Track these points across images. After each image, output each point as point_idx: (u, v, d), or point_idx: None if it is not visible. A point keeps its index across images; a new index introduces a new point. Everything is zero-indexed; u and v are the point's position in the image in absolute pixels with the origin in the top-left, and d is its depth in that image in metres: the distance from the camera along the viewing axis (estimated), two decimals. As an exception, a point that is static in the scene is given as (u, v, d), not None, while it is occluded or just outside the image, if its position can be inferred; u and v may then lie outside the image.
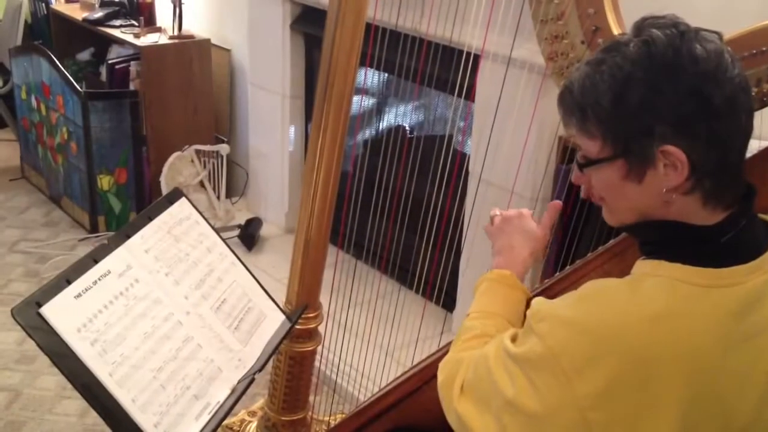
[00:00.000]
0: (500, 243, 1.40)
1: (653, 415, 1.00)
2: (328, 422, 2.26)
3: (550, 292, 1.44)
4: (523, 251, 1.38)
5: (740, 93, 1.01)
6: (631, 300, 1.03)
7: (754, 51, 1.28)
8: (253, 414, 2.25)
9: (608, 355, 0.99)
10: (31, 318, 1.16)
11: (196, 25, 3.94)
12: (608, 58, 1.05)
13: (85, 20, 3.98)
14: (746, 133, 1.05)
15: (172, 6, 3.72)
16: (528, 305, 1.16)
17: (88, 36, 4.17)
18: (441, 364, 1.25)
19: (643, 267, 1.09)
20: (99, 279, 1.27)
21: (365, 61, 1.95)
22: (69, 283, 1.22)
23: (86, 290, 1.24)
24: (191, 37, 3.78)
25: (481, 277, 1.36)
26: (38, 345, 1.16)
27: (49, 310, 1.17)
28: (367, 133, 3.30)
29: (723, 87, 1.00)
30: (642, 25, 1.06)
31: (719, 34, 1.05)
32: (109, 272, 1.29)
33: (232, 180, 3.98)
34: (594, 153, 1.08)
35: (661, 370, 0.99)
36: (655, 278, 1.05)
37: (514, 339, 1.12)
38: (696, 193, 1.04)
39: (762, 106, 1.31)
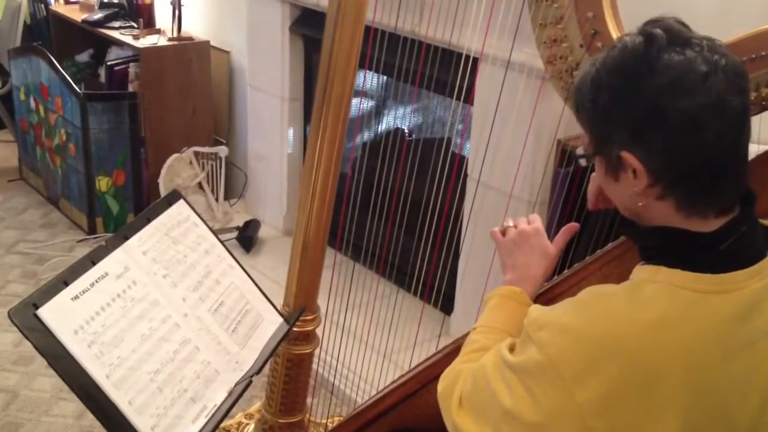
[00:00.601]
0: (515, 259, 1.37)
1: (654, 421, 1.00)
2: (326, 425, 2.26)
3: (548, 296, 1.43)
4: (538, 271, 1.35)
5: (709, 108, 0.98)
6: (630, 306, 1.03)
7: (753, 55, 1.28)
8: (250, 416, 2.24)
9: (608, 362, 0.99)
10: (27, 320, 1.16)
11: (196, 27, 3.94)
12: (598, 60, 1.07)
13: (84, 21, 3.98)
14: (722, 146, 1.00)
15: (171, 8, 3.72)
16: None
17: (87, 37, 4.17)
18: (442, 375, 1.25)
19: (642, 272, 1.09)
20: (96, 281, 1.26)
21: (364, 63, 1.95)
22: (66, 284, 1.22)
23: (83, 292, 1.23)
24: (190, 38, 3.79)
25: (492, 292, 1.34)
26: (35, 347, 1.15)
27: (46, 312, 1.17)
28: (366, 135, 3.30)
29: (681, 101, 0.98)
30: (641, 29, 1.07)
31: (711, 41, 1.03)
32: (107, 274, 1.29)
33: (231, 182, 3.98)
34: (587, 147, 1.13)
35: (661, 376, 0.99)
36: (654, 284, 1.04)
37: (511, 349, 1.12)
38: (668, 199, 1.04)
39: (761, 111, 1.31)
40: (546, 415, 1.02)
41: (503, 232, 1.40)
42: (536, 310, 1.11)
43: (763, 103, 1.30)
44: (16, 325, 1.15)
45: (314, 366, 2.07)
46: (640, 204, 1.07)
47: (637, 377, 0.99)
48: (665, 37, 1.01)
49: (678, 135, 0.99)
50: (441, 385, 1.24)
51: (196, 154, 3.73)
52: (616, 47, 1.06)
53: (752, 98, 1.28)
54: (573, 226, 1.40)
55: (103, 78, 4.00)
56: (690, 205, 1.04)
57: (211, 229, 1.55)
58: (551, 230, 1.42)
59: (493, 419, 1.09)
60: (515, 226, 1.39)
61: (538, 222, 1.39)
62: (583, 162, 1.15)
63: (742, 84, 1.01)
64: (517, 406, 1.05)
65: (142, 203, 3.77)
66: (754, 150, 1.27)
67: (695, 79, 0.98)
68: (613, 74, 1.03)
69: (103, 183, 3.69)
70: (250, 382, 1.39)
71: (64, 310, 1.19)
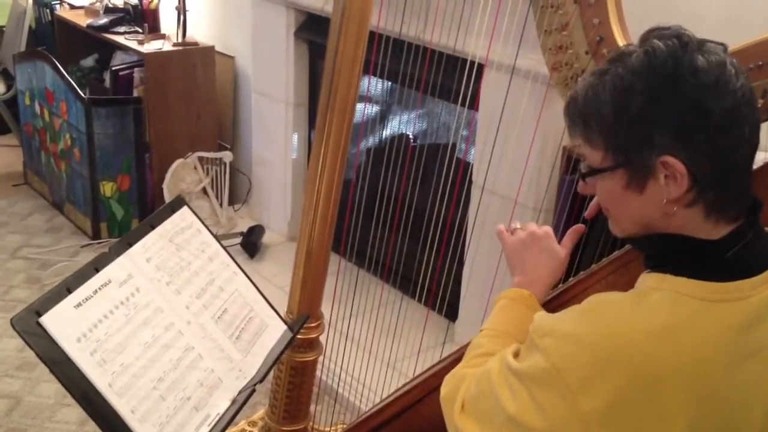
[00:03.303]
0: (524, 261, 1.36)
1: (659, 430, 0.99)
2: (330, 432, 2.25)
3: (554, 303, 1.43)
4: (548, 273, 1.34)
5: (743, 106, 1.01)
6: (635, 314, 1.02)
7: (760, 62, 1.27)
8: (253, 424, 2.23)
9: (612, 370, 0.98)
10: (30, 327, 1.15)
11: (200, 32, 3.94)
12: (611, 69, 1.05)
13: (89, 26, 3.99)
14: (751, 146, 1.04)
15: (176, 13, 3.72)
16: None
17: (92, 42, 4.18)
18: (445, 379, 1.25)
19: (648, 280, 1.08)
20: (100, 288, 1.26)
21: (369, 69, 1.95)
22: (69, 292, 1.21)
23: (86, 299, 1.22)
24: (195, 44, 3.79)
25: (500, 294, 1.34)
26: (37, 355, 1.15)
27: (48, 320, 1.16)
28: (371, 141, 3.29)
29: (724, 99, 0.99)
30: (647, 37, 1.06)
31: (724, 46, 1.05)
32: (110, 281, 1.28)
33: (235, 187, 3.98)
34: (597, 163, 1.09)
35: (666, 385, 0.98)
36: (659, 292, 1.04)
37: (516, 354, 1.11)
38: (698, 205, 1.04)
39: (768, 119, 1.29)
40: (550, 422, 1.02)
41: (511, 232, 1.39)
42: (541, 317, 1.11)
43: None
44: (18, 333, 1.14)
45: (318, 373, 2.06)
46: (672, 211, 1.04)
47: (642, 386, 0.98)
48: (696, 40, 1.03)
49: (721, 133, 1.00)
50: (444, 389, 1.23)
51: (201, 159, 3.72)
52: (633, 54, 1.04)
53: (760, 105, 1.27)
54: (580, 227, 1.39)
55: (107, 83, 4.00)
56: (720, 207, 1.04)
57: (214, 236, 1.54)
58: (557, 238, 1.41)
59: (497, 425, 1.08)
60: (523, 229, 1.39)
61: (547, 227, 1.39)
62: (592, 180, 1.12)
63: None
64: (521, 412, 1.04)
65: (147, 208, 3.77)
66: (761, 158, 1.27)
67: (732, 78, 1.00)
68: (649, 77, 1.01)
69: (107, 188, 3.69)
70: (254, 390, 1.38)
71: (67, 317, 1.19)
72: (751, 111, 1.02)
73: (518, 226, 1.39)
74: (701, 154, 1.00)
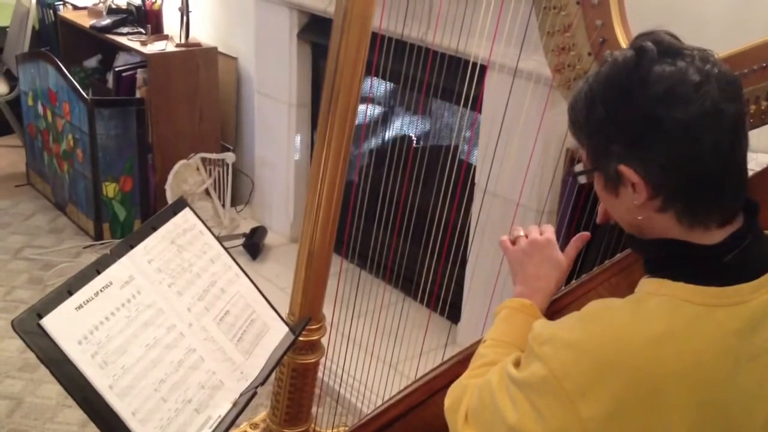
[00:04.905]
0: (525, 270, 1.34)
1: (659, 437, 0.99)
2: (331, 434, 2.25)
3: (556, 306, 1.42)
4: (549, 283, 1.33)
5: (704, 117, 0.97)
6: (634, 320, 1.02)
7: (765, 64, 1.26)
8: (255, 426, 2.23)
9: (612, 377, 0.98)
10: (31, 329, 1.15)
11: (203, 33, 3.95)
12: (589, 77, 1.08)
13: (92, 27, 3.99)
14: (722, 156, 1.00)
15: (179, 14, 3.72)
16: None
17: (96, 43, 4.18)
18: (449, 390, 1.24)
19: (647, 285, 1.08)
20: (101, 290, 1.26)
21: (371, 70, 1.95)
22: (70, 294, 1.21)
23: (88, 301, 1.23)
24: (198, 45, 3.79)
25: (501, 304, 1.33)
26: (38, 357, 1.15)
27: (49, 322, 1.16)
28: (373, 142, 3.29)
29: (675, 109, 0.97)
30: (632, 43, 1.07)
31: (705, 52, 1.02)
32: (112, 283, 1.28)
33: (238, 188, 3.98)
34: (585, 163, 1.12)
35: (666, 391, 0.98)
36: (658, 297, 1.03)
37: (517, 364, 1.11)
38: (669, 211, 1.04)
39: (762, 124, 1.28)
40: (550, 430, 1.02)
41: (513, 242, 1.38)
42: (540, 324, 1.10)
43: (763, 116, 1.28)
44: (19, 335, 1.14)
45: (320, 375, 2.06)
46: (640, 217, 1.06)
47: (641, 392, 0.98)
48: (656, 50, 1.02)
49: (675, 145, 0.99)
50: (448, 400, 1.23)
51: (203, 160, 3.73)
52: (607, 62, 1.06)
53: (752, 110, 1.26)
54: (584, 235, 1.38)
55: (110, 84, 4.00)
56: (691, 215, 1.03)
57: (216, 238, 1.54)
58: (560, 239, 1.40)
59: None
60: (526, 236, 1.37)
61: (549, 232, 1.37)
62: (582, 179, 1.14)
63: (736, 91, 1.01)
64: (522, 421, 1.04)
65: (149, 209, 3.77)
66: (764, 161, 1.26)
67: (688, 89, 0.98)
68: (606, 88, 1.04)
69: (110, 189, 3.70)
70: (255, 392, 1.38)
71: (68, 319, 1.19)
72: (715, 123, 0.98)
73: (521, 233, 1.38)
74: (655, 165, 1.00)
